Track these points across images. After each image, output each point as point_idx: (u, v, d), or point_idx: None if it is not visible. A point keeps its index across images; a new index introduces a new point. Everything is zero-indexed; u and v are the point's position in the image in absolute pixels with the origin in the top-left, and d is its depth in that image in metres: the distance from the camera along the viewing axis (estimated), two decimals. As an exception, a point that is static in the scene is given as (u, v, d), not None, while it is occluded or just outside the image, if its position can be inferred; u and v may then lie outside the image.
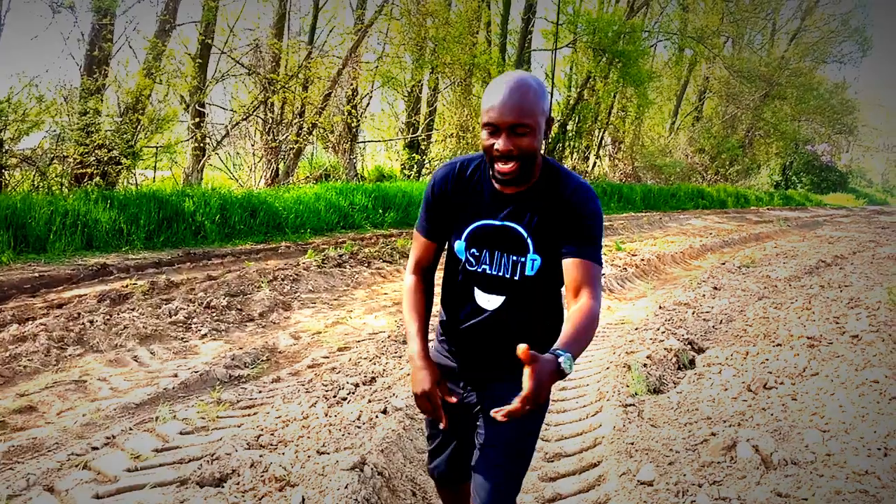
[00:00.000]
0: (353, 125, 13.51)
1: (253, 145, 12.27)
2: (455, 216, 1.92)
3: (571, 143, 18.80)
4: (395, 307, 6.01)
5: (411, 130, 14.57)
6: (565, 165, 15.67)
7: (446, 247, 2.01)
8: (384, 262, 7.78)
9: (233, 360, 4.28)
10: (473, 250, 1.88)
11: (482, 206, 1.87)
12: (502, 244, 1.86)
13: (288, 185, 11.46)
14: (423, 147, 14.67)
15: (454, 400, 1.87)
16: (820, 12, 24.02)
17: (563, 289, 1.89)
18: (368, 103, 14.50)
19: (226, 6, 11.49)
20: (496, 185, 1.85)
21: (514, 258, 1.86)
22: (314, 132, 12.95)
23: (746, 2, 20.79)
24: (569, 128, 18.17)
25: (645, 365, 4.17)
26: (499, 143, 1.71)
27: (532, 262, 1.85)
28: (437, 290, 2.03)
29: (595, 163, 21.17)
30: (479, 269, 1.89)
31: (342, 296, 6.37)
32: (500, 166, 1.74)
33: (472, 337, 1.95)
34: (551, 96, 19.34)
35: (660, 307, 5.92)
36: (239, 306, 5.50)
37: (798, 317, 5.46)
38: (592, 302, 1.70)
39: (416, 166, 14.22)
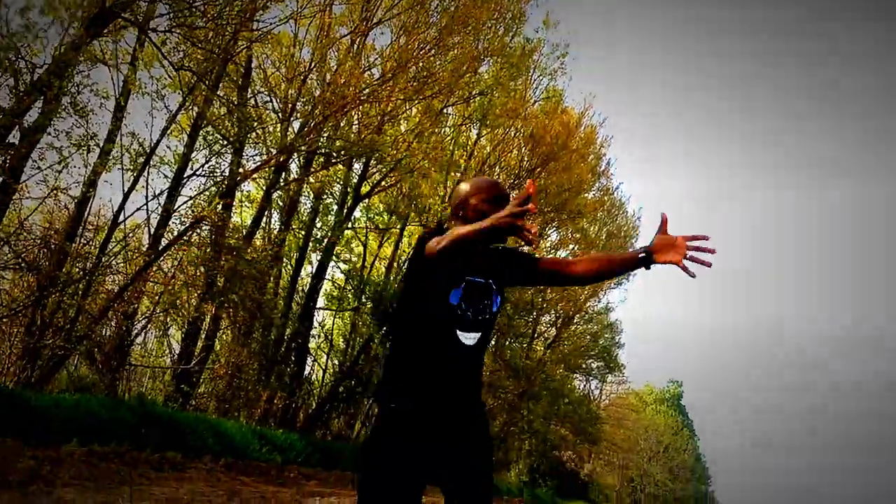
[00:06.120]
0: (125, 344, 12.78)
1: (10, 345, 11.20)
2: (444, 269, 2.33)
3: (340, 407, 18.74)
4: (168, 501, 5.50)
5: (184, 362, 13.99)
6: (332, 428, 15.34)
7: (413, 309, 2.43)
8: (152, 468, 7.17)
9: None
10: (464, 299, 2.37)
11: (467, 264, 2.38)
12: (480, 292, 2.40)
13: (42, 393, 10.41)
14: (193, 380, 14.03)
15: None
16: (574, 327, 27.08)
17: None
18: (146, 326, 13.90)
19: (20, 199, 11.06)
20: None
21: (486, 300, 2.41)
22: (83, 344, 12.11)
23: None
24: (340, 390, 18.24)
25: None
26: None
27: (495, 300, 2.45)
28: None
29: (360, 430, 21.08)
30: (466, 313, 2.36)
31: (107, 487, 5.74)
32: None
33: (453, 373, 2.36)
34: (327, 357, 19.54)
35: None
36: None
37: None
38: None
39: (182, 399, 13.47)
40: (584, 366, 28.37)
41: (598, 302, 28.58)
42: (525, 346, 25.45)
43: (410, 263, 2.47)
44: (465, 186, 2.47)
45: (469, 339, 2.36)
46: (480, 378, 2.48)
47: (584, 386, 34.27)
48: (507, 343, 24.92)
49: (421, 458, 2.27)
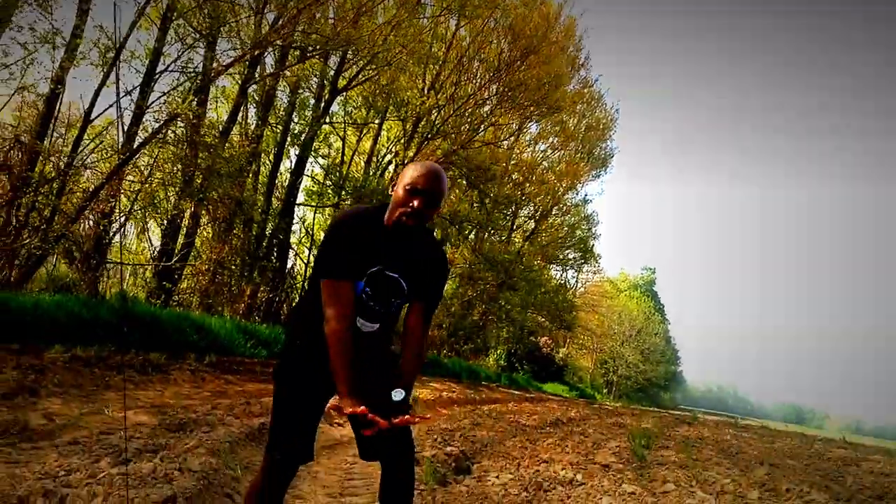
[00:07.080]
0: (103, 243, 12.73)
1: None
2: (356, 256, 2.31)
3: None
4: (153, 408, 5.61)
5: (165, 259, 14.00)
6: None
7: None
8: (136, 371, 7.27)
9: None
10: (368, 289, 2.37)
11: (378, 253, 2.36)
12: (388, 287, 2.40)
13: (22, 293, 10.40)
14: (175, 276, 14.09)
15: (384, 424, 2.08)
16: (552, 219, 27.33)
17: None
18: (124, 223, 13.83)
19: (-12, 96, 10.73)
20: (385, 236, 2.35)
21: (393, 299, 2.43)
22: (60, 243, 12.04)
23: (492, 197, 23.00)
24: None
25: (431, 462, 4.26)
26: (415, 203, 2.26)
27: (403, 300, 2.46)
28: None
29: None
30: (370, 304, 2.39)
31: (92, 393, 5.83)
32: (405, 219, 2.27)
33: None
34: (309, 251, 19.60)
35: (428, 429, 6.09)
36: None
37: (555, 448, 5.88)
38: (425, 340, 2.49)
39: (164, 295, 13.55)
40: (560, 257, 28.73)
41: (576, 195, 28.67)
42: (504, 238, 25.64)
43: (322, 248, 2.39)
44: (410, 166, 2.40)
45: (368, 327, 2.44)
46: (386, 344, 2.59)
47: (561, 275, 34.77)
48: (487, 236, 25.16)
49: (323, 380, 2.38)
